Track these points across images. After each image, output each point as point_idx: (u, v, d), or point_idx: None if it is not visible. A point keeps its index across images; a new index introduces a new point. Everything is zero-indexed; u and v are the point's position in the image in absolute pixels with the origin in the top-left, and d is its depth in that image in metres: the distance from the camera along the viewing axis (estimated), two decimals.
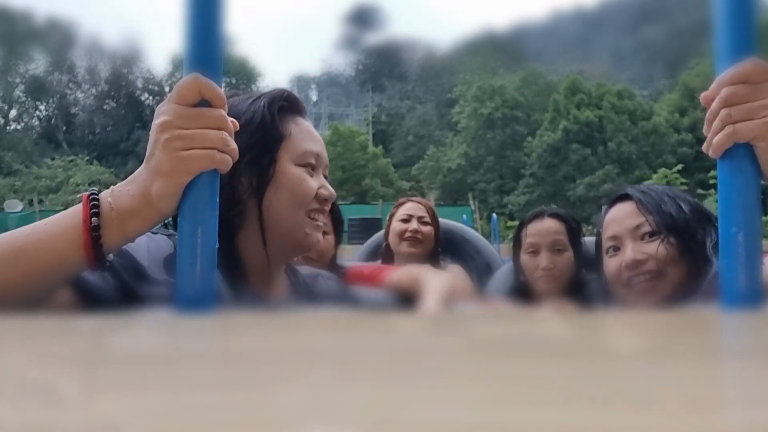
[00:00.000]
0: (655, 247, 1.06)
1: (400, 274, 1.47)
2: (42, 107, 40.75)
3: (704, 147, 0.75)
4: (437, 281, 1.32)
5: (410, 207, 2.03)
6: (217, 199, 0.69)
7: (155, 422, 0.21)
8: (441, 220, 2.13)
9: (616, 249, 1.13)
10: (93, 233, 0.67)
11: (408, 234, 1.96)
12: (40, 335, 0.41)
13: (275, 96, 0.94)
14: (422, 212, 2.01)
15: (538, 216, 1.70)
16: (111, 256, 0.72)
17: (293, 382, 0.27)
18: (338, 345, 0.37)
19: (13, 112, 39.80)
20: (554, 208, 1.75)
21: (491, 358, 0.32)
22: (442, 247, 2.08)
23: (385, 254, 2.02)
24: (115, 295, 0.74)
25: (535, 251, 1.65)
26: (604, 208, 1.23)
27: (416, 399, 0.24)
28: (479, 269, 2.28)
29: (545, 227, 1.65)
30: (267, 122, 0.91)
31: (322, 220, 0.96)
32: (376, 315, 0.57)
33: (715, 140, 0.72)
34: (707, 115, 0.75)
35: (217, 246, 0.69)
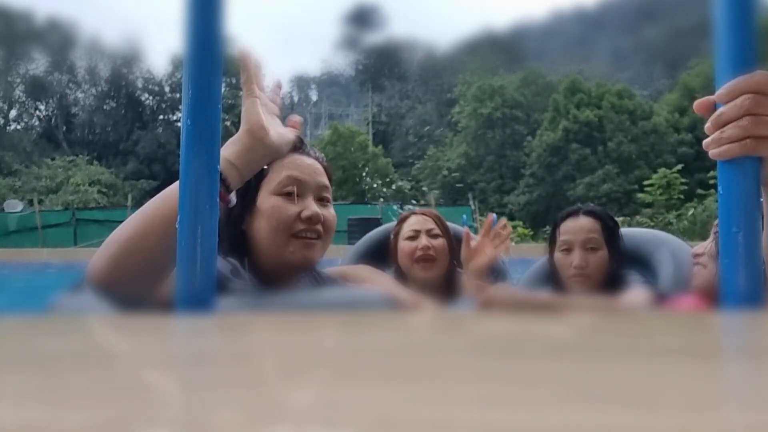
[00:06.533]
0: None
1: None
2: (42, 107, 40.71)
3: (706, 146, 0.74)
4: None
5: (415, 221, 1.78)
6: (217, 200, 0.69)
7: (154, 421, 0.21)
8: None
9: None
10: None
11: (419, 253, 1.72)
12: (36, 334, 0.42)
13: None
14: (430, 224, 1.76)
15: (572, 214, 1.69)
16: None
17: (293, 382, 0.27)
18: (338, 345, 0.37)
19: (13, 112, 39.78)
20: (590, 205, 1.73)
21: (491, 358, 0.32)
22: None
23: (397, 278, 1.73)
24: None
25: (568, 249, 1.65)
26: None
27: (417, 399, 0.24)
28: None
29: (579, 225, 1.64)
30: None
31: (314, 234, 1.06)
32: (377, 316, 0.57)
33: (727, 147, 0.71)
34: (714, 117, 0.73)
35: (216, 249, 0.69)
